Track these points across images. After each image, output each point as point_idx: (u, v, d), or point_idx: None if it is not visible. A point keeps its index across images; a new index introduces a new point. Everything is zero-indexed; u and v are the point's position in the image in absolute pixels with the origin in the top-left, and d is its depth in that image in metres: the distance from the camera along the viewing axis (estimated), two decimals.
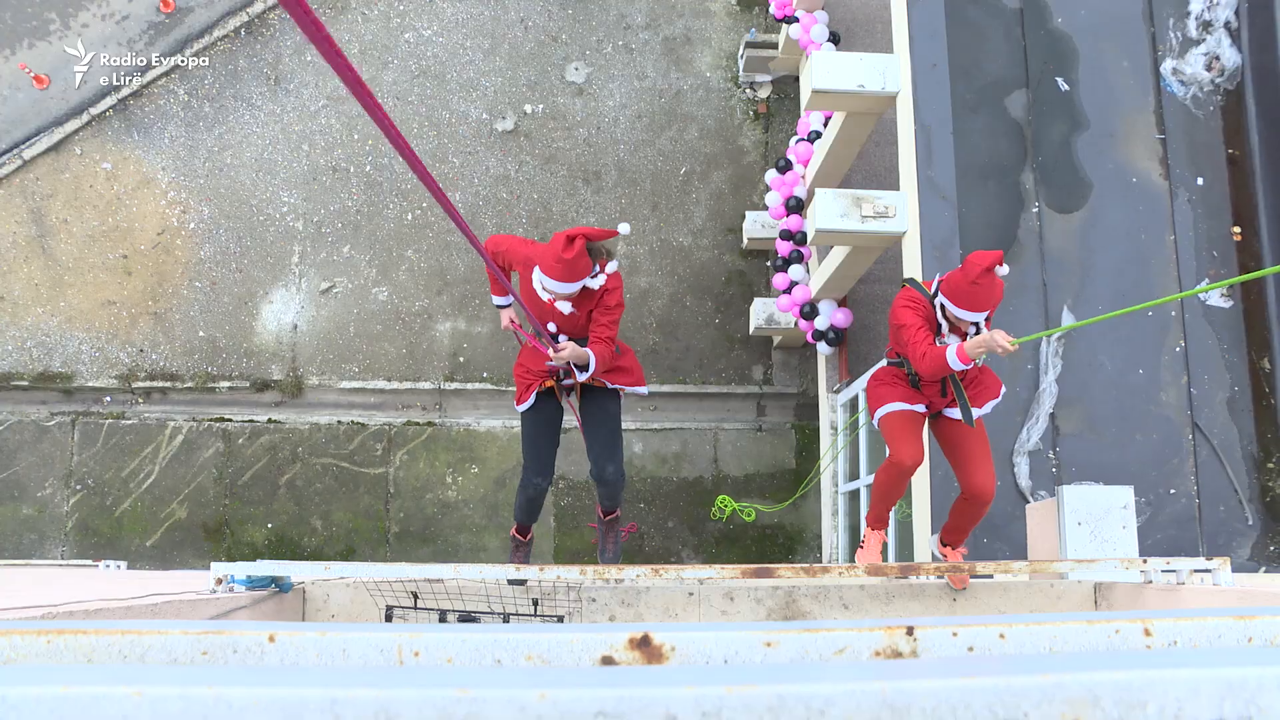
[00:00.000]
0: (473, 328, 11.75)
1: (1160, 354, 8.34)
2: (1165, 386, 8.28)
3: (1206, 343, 8.37)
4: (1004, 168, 8.65)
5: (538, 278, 4.46)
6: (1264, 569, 7.88)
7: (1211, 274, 8.52)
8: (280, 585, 4.51)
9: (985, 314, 4.44)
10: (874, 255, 9.38)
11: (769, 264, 11.48)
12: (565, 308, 4.57)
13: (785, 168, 11.16)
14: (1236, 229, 8.60)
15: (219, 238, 11.81)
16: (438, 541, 11.38)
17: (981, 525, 7.81)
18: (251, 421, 11.58)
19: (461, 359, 11.72)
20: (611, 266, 4.59)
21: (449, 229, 11.93)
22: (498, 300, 5.04)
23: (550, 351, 4.52)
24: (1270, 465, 8.18)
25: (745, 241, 11.85)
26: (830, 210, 8.44)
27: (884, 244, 8.82)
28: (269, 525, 11.37)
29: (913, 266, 8.18)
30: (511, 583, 4.83)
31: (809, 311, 10.63)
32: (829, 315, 10.49)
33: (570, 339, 4.63)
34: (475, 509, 11.41)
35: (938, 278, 4.67)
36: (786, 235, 10.99)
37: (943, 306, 4.55)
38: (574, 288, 4.44)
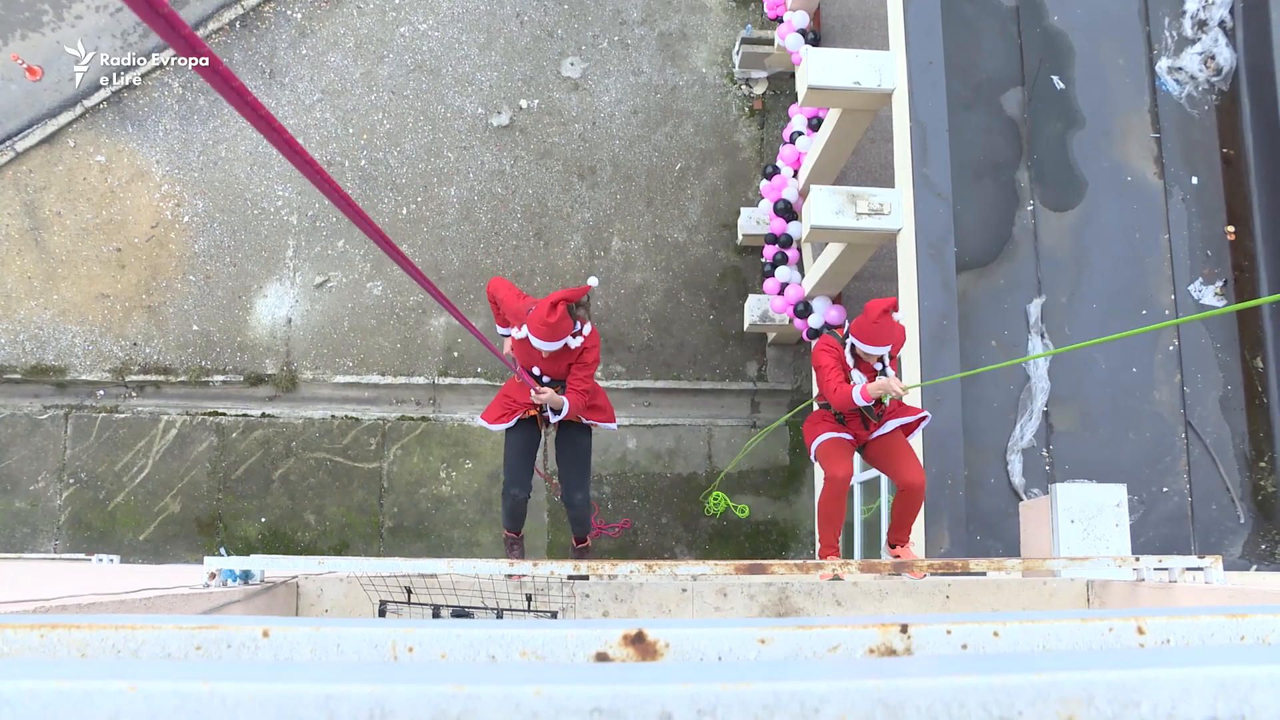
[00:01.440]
0: None
1: (1154, 353, 8.36)
2: (1158, 385, 8.30)
3: (1200, 342, 8.39)
4: (999, 165, 8.66)
5: (524, 333, 5.33)
6: (1256, 567, 7.90)
7: (1206, 273, 8.54)
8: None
9: (886, 349, 5.39)
10: (869, 252, 9.39)
11: (762, 261, 11.49)
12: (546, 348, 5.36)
13: (773, 174, 11.19)
14: (1230, 228, 8.62)
15: (213, 231, 11.77)
16: (431, 536, 11.37)
17: (976, 522, 7.83)
18: (245, 416, 11.56)
19: (456, 354, 11.71)
20: (588, 328, 5.42)
21: (444, 223, 11.92)
22: (502, 331, 5.77)
23: (532, 394, 5.37)
24: (1262, 464, 8.21)
25: (740, 238, 11.85)
26: (825, 207, 8.44)
27: (879, 241, 8.83)
28: (262, 519, 11.36)
29: (907, 264, 8.18)
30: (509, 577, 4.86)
31: (803, 309, 10.64)
32: (823, 313, 10.50)
33: (552, 380, 5.48)
34: (469, 504, 11.41)
35: (847, 324, 5.62)
36: (771, 239, 11.01)
37: (853, 345, 5.47)
38: (558, 345, 5.26)
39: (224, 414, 11.56)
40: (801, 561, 4.49)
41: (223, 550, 11.11)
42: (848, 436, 5.71)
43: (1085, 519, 6.29)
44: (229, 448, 11.50)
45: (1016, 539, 7.33)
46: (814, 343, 5.93)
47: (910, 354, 7.90)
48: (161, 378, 11.55)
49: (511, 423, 5.62)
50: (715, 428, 11.77)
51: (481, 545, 11.31)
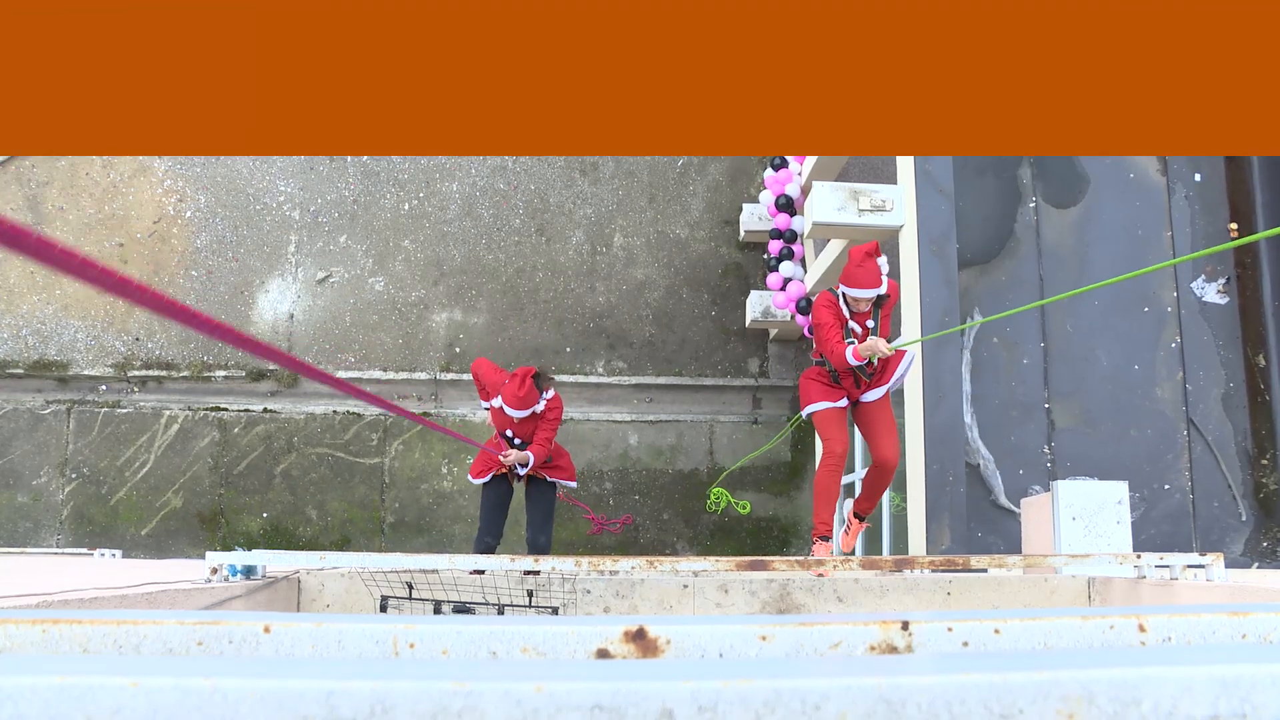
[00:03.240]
0: (469, 319, 11.73)
1: (1156, 349, 8.35)
2: (1161, 382, 8.29)
3: (1202, 339, 8.39)
4: (1002, 162, 8.64)
5: (499, 403, 6.45)
6: (1257, 565, 7.90)
7: (1208, 270, 8.54)
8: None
9: (874, 292, 5.89)
10: None
11: (765, 257, 11.48)
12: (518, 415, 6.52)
13: (780, 165, 11.16)
14: (1233, 225, 8.60)
15: (215, 226, 11.78)
16: (433, 532, 11.38)
17: (977, 519, 7.84)
18: (247, 411, 11.57)
19: (458, 349, 11.71)
20: (550, 393, 6.48)
21: (446, 219, 11.92)
22: (484, 404, 6.83)
23: (500, 457, 6.49)
24: (1264, 461, 8.21)
25: (742, 234, 11.85)
26: (827, 203, 8.43)
27: (880, 238, 8.82)
28: (264, 515, 11.37)
29: (909, 260, 8.18)
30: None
31: (805, 306, 10.63)
32: None
33: (523, 441, 6.57)
34: (470, 499, 11.41)
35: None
36: (776, 234, 10.99)
37: (844, 295, 5.98)
38: (527, 413, 6.37)
39: (226, 409, 11.57)
40: (803, 558, 4.49)
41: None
42: (841, 405, 6.23)
43: (1087, 516, 6.29)
44: (231, 443, 11.51)
45: (1018, 536, 7.33)
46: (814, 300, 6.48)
47: (913, 348, 7.90)
48: (163, 373, 11.55)
49: (488, 478, 6.74)
50: (717, 424, 11.77)
51: None
